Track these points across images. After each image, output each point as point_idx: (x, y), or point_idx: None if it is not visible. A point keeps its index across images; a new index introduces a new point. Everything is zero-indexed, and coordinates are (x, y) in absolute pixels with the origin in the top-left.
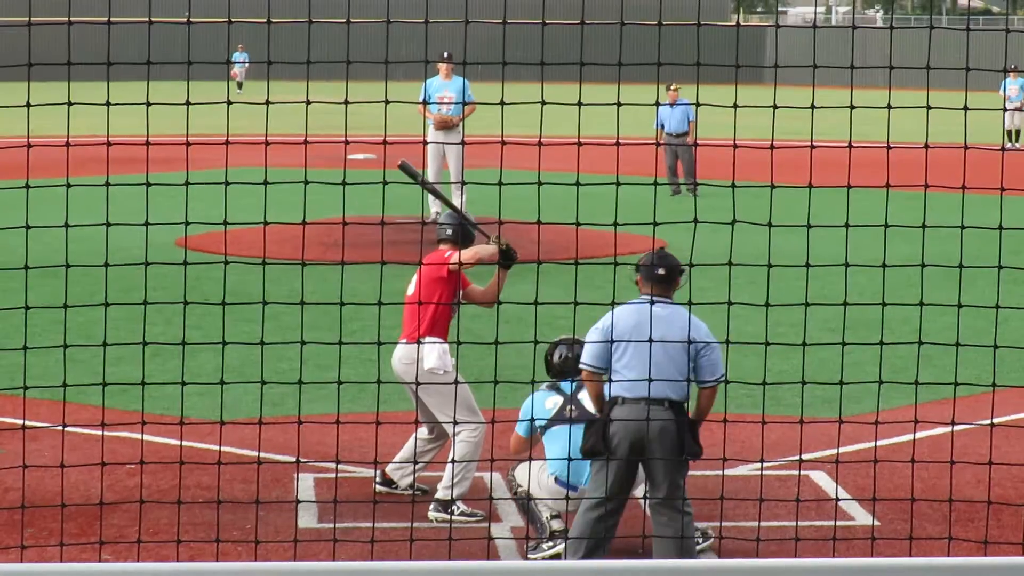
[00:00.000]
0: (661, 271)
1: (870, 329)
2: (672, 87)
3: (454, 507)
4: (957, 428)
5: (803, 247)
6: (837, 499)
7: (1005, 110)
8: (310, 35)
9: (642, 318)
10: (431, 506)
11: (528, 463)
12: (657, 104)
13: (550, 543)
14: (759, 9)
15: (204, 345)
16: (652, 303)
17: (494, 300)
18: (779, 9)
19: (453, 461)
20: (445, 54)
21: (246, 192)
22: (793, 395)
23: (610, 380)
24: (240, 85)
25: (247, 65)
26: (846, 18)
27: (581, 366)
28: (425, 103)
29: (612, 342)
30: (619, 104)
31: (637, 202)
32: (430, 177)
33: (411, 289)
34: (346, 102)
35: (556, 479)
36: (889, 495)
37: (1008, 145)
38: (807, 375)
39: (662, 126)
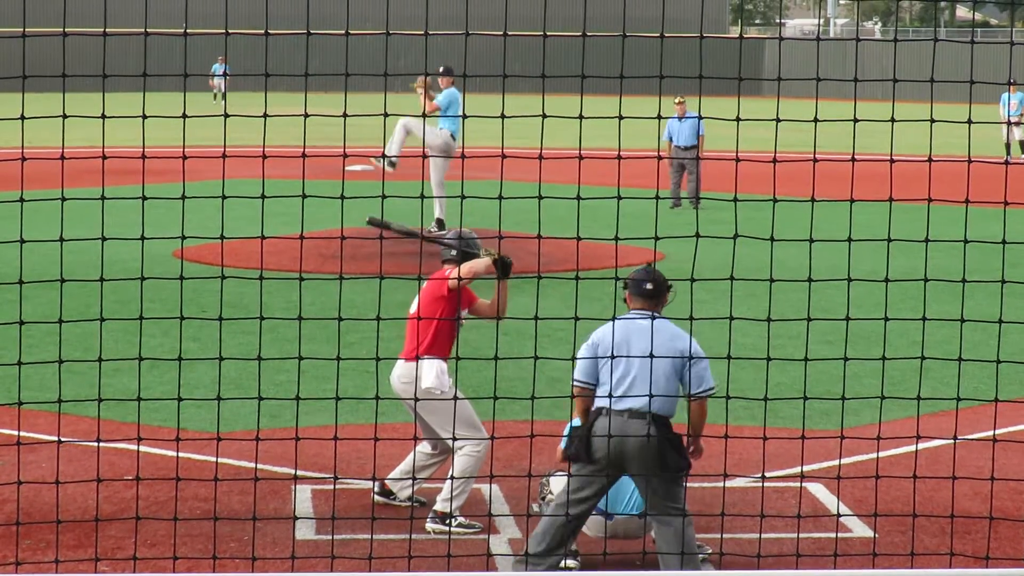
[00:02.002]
0: (649, 286)
1: (868, 342)
2: (678, 100)
3: (452, 519)
4: (955, 441)
5: (801, 259)
6: (839, 515)
7: (1008, 123)
8: (308, 47)
9: (629, 332)
10: (429, 517)
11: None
12: (659, 117)
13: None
14: (757, 22)
15: (202, 359)
16: (649, 317)
17: (501, 313)
18: (778, 22)
19: (452, 477)
20: (441, 68)
21: (243, 204)
22: (791, 407)
23: (598, 393)
24: (215, 96)
25: (227, 77)
26: (844, 30)
27: (573, 383)
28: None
29: (601, 357)
30: (620, 117)
31: (638, 215)
32: (432, 189)
33: (413, 307)
34: (344, 115)
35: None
36: (886, 507)
37: (1009, 158)
38: (804, 385)
39: (671, 139)
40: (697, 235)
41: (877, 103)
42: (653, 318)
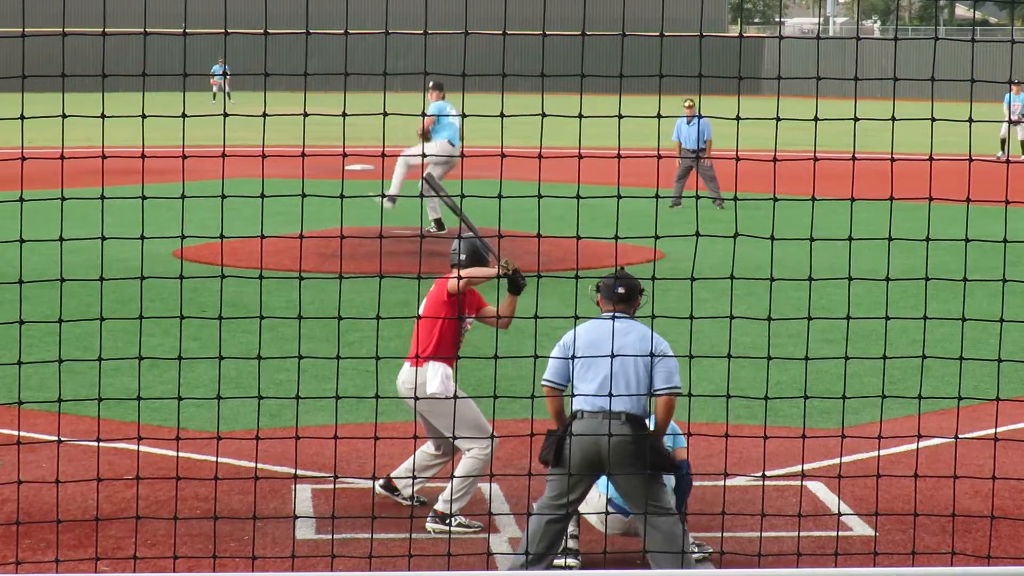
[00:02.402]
0: (621, 290)
1: (869, 340)
2: (687, 103)
3: (451, 519)
4: (956, 439)
5: (801, 257)
6: (840, 513)
7: (1011, 122)
8: (307, 46)
9: (599, 333)
10: (429, 516)
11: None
12: (659, 116)
13: (559, 558)
14: (756, 21)
15: (202, 358)
16: (620, 318)
17: (506, 323)
18: (778, 20)
19: (453, 476)
20: (431, 83)
21: (243, 204)
22: (791, 406)
23: (572, 394)
24: (214, 95)
25: (228, 76)
26: (843, 28)
27: (542, 383)
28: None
29: (572, 358)
30: (620, 116)
31: (638, 213)
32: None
33: (421, 310)
34: (344, 114)
35: (610, 501)
36: (887, 506)
37: (1008, 156)
38: (804, 384)
39: (679, 140)
40: (697, 234)
41: (877, 101)
42: (614, 317)
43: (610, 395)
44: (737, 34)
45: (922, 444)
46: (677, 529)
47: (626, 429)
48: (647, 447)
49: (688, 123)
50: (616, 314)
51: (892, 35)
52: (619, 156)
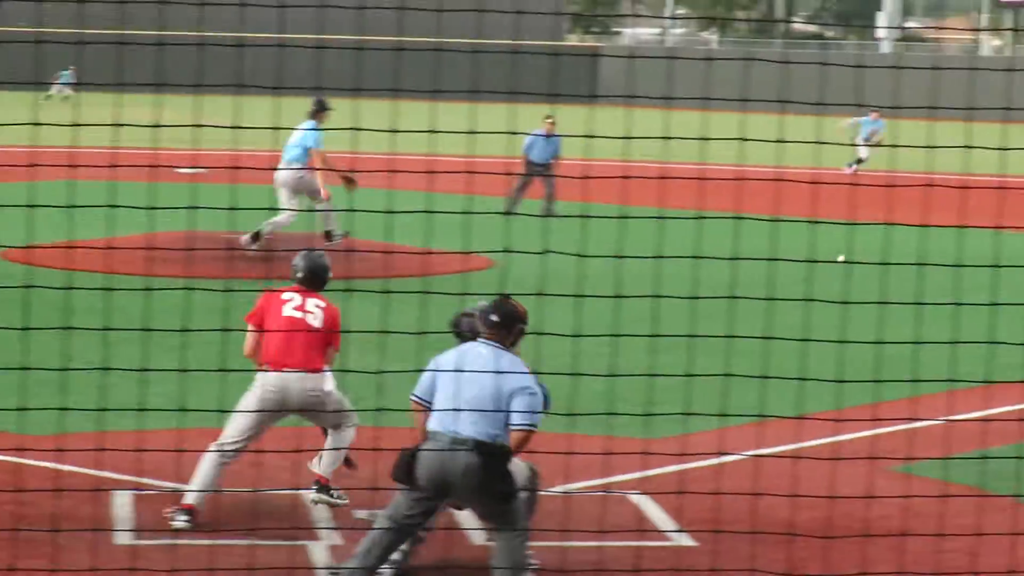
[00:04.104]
0: (494, 317)
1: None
2: (548, 119)
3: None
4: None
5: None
6: (683, 529)
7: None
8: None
9: (464, 359)
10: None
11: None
12: (530, 128)
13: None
14: (595, 29)
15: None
16: (491, 346)
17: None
18: (614, 31)
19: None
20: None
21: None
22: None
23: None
24: (48, 97)
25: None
26: (683, 39)
27: (410, 397)
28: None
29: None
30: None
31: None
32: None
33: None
34: (228, 122)
35: None
36: (697, 516)
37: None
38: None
39: (527, 154)
40: (591, 247)
41: (765, 114)
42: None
43: (432, 415)
44: (579, 44)
45: (772, 449)
46: (517, 542)
47: (473, 458)
48: (494, 475)
49: (547, 139)
50: (488, 342)
51: (728, 48)
52: (512, 165)
